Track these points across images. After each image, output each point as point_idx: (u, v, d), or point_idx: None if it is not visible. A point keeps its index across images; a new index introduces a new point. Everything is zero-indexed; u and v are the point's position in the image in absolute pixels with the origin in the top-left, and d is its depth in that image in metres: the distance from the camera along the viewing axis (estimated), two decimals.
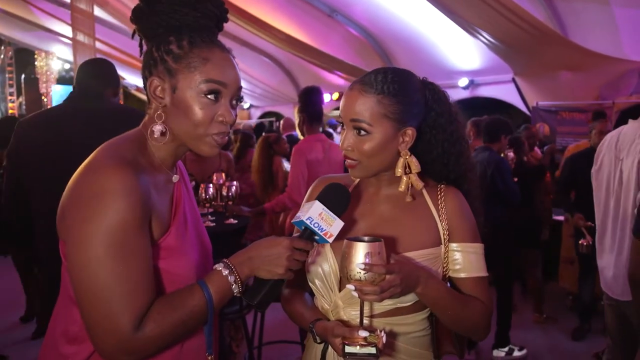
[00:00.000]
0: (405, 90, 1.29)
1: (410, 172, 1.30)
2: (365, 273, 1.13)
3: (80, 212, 1.03)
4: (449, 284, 1.36)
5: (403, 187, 1.31)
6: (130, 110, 2.59)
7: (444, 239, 1.33)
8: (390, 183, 1.37)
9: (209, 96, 1.12)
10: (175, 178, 1.21)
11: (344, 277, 1.18)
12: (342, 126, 1.32)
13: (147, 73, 1.16)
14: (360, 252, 1.14)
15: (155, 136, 1.13)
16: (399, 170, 1.30)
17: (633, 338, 2.30)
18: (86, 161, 1.09)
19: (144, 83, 1.17)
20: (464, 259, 1.33)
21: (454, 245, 1.34)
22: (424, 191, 1.37)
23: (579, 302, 4.45)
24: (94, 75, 2.47)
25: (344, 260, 1.16)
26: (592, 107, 6.46)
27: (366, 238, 1.20)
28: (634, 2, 5.83)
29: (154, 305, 1.06)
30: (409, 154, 1.30)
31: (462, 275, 1.34)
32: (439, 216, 1.34)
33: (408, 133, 1.29)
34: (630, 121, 2.46)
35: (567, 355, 4.07)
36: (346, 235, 1.25)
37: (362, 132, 1.26)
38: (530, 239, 4.51)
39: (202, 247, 1.28)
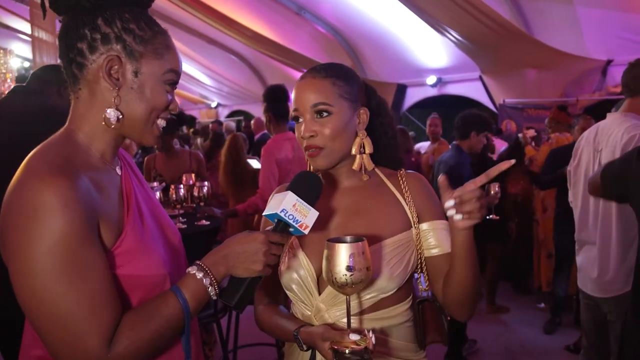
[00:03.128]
0: (349, 75, 1.36)
1: (364, 152, 1.33)
2: (351, 275, 1.10)
3: (16, 235, 0.92)
4: (424, 266, 1.36)
5: (356, 165, 1.34)
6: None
7: (414, 221, 1.35)
8: (349, 175, 1.39)
9: (167, 85, 1.09)
10: (119, 169, 1.12)
11: (329, 281, 1.14)
12: (297, 120, 1.33)
13: (87, 49, 1.03)
14: (343, 254, 1.11)
15: (111, 122, 1.04)
16: (354, 149, 1.33)
17: (609, 338, 2.33)
18: (15, 177, 0.97)
19: (73, 58, 1.04)
20: (436, 237, 1.35)
21: (424, 225, 1.35)
22: (386, 180, 1.40)
23: (552, 296, 4.52)
24: (39, 77, 2.33)
25: (328, 263, 1.12)
26: (557, 104, 6.60)
27: (348, 238, 1.17)
28: (596, 2, 5.97)
29: (124, 319, 0.97)
30: (365, 134, 1.35)
31: (436, 252, 1.35)
32: (405, 200, 1.36)
33: (362, 113, 1.35)
34: (608, 115, 2.49)
35: (539, 349, 4.12)
36: (317, 233, 1.26)
37: (324, 114, 1.29)
38: (491, 232, 4.52)
39: (167, 238, 1.19)
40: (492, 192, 3.84)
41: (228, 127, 8.94)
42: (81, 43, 1.03)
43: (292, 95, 1.34)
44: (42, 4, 1.08)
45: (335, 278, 1.11)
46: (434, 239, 1.35)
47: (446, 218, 1.34)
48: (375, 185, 1.39)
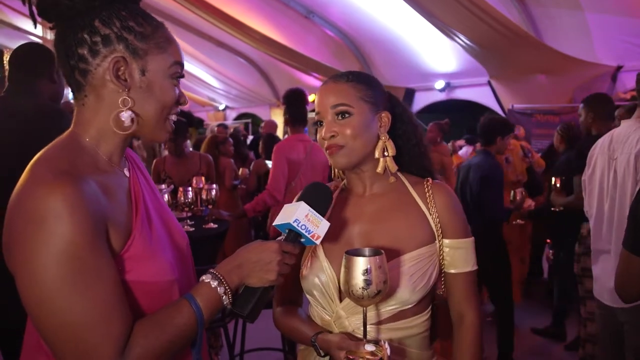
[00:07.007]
0: (370, 81, 1.38)
1: (388, 155, 1.35)
2: (367, 288, 1.11)
3: (22, 245, 0.89)
4: (443, 280, 1.40)
5: (380, 168, 1.35)
6: (58, 111, 2.22)
7: (438, 234, 1.35)
8: (373, 181, 1.40)
9: (174, 79, 1.07)
10: (127, 171, 1.10)
11: (346, 293, 1.16)
12: (320, 124, 1.35)
13: (89, 53, 0.99)
14: (360, 267, 1.11)
15: (126, 125, 1.01)
16: (377, 152, 1.34)
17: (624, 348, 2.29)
18: (18, 184, 0.94)
19: (75, 65, 1.01)
20: (453, 255, 1.37)
21: (446, 242, 1.36)
22: (410, 188, 1.40)
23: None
24: (23, 67, 2.25)
25: (345, 275, 1.14)
26: (566, 109, 6.58)
27: (367, 251, 1.18)
28: (606, 8, 5.94)
29: (137, 327, 0.95)
30: (387, 137, 1.36)
31: (452, 271, 1.38)
32: (430, 213, 1.36)
33: (384, 116, 1.36)
34: (623, 122, 2.46)
35: (545, 352, 4.11)
36: (340, 240, 1.30)
37: (346, 115, 1.31)
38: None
39: (175, 242, 1.17)
40: (519, 197, 3.90)
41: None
42: (81, 48, 0.99)
43: (315, 101, 1.36)
44: (32, 14, 1.05)
45: (352, 290, 1.12)
46: (451, 257, 1.37)
47: (469, 235, 1.40)
48: (399, 194, 1.40)
